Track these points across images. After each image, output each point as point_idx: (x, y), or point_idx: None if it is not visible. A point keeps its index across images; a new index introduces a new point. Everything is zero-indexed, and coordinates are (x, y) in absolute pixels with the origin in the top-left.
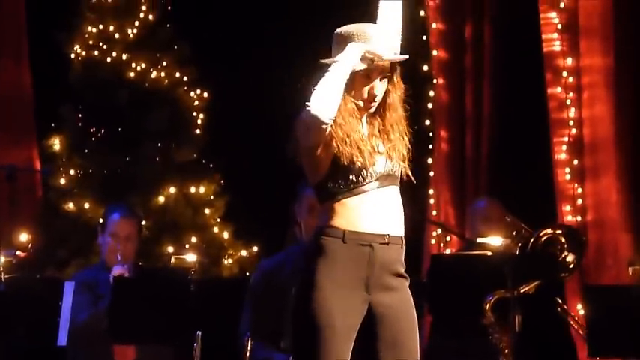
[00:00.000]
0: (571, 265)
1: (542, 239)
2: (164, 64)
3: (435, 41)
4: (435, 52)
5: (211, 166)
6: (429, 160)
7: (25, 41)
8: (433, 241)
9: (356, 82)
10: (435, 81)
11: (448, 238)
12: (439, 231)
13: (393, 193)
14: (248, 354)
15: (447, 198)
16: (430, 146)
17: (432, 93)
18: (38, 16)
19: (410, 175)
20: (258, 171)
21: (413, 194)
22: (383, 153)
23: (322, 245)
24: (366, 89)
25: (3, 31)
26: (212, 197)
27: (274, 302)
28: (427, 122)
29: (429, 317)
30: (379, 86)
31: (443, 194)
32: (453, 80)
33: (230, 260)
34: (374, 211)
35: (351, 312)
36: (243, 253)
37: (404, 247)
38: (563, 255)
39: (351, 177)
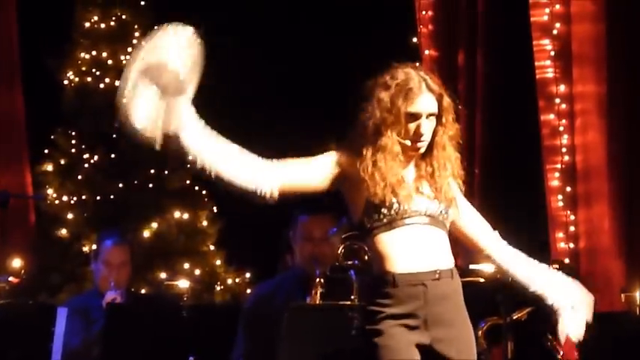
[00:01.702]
0: None
1: None
2: None
3: (427, 68)
4: None
5: (204, 193)
6: None
7: (17, 67)
8: None
9: (403, 121)
10: None
11: None
12: None
13: (435, 232)
14: None
15: None
16: None
17: None
18: (31, 42)
19: (450, 219)
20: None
21: None
22: (427, 195)
23: (380, 292)
24: (412, 128)
25: None
26: (205, 224)
27: (267, 328)
28: None
29: None
30: (426, 125)
31: None
32: None
33: (222, 287)
34: (418, 248)
35: (412, 350)
36: (236, 279)
37: (456, 278)
38: None
39: (383, 210)
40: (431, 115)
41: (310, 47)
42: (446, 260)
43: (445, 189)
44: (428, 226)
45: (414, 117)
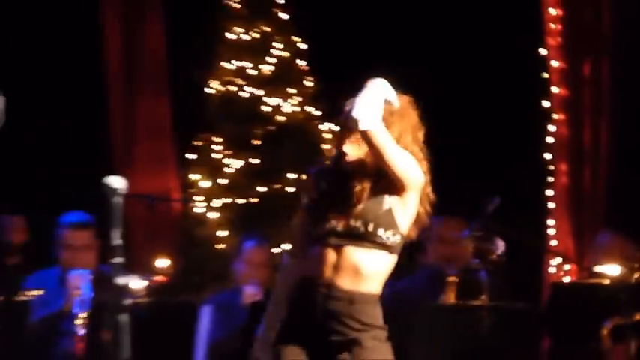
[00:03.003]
0: None
1: None
2: (297, 99)
3: (555, 78)
4: (554, 89)
5: None
6: (549, 192)
7: (165, 77)
8: (553, 270)
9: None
10: (554, 116)
11: (567, 267)
12: (558, 260)
13: (355, 251)
14: None
15: (566, 229)
16: (550, 179)
17: (551, 128)
18: (178, 53)
19: (383, 240)
20: None
21: (533, 224)
22: (356, 214)
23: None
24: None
25: (145, 68)
26: None
27: (401, 323)
28: (547, 156)
29: (548, 341)
30: (348, 147)
31: (562, 225)
32: (572, 116)
33: None
34: (325, 264)
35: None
36: None
37: (362, 304)
38: None
39: (313, 228)
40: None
41: (440, 60)
42: (353, 283)
43: (374, 210)
44: (350, 246)
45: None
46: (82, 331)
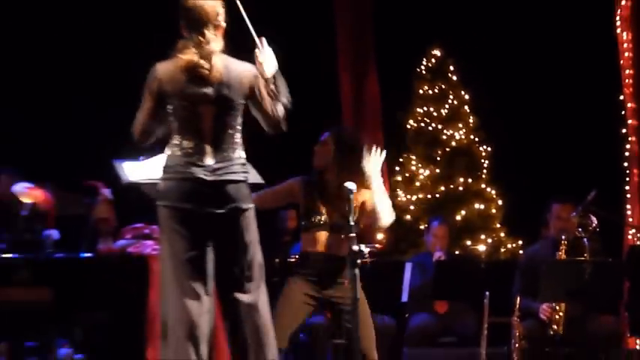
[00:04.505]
0: None
1: None
2: (464, 130)
3: (629, 114)
4: (629, 121)
5: (494, 192)
6: (627, 188)
7: (379, 116)
8: (630, 237)
9: None
10: (629, 139)
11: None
12: (633, 231)
13: (336, 237)
14: (517, 306)
15: (638, 210)
16: (627, 179)
17: (627, 146)
18: (388, 100)
19: (352, 231)
20: (523, 194)
21: (617, 208)
22: (327, 210)
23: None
24: None
25: (366, 110)
26: (494, 211)
27: (534, 274)
28: (625, 164)
29: (628, 284)
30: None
31: (635, 208)
32: None
33: (505, 249)
34: (320, 242)
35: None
36: (513, 245)
37: (343, 263)
38: None
39: (311, 219)
40: (322, 143)
41: (563, 105)
42: (334, 250)
43: (342, 209)
44: (332, 233)
45: None
46: None
